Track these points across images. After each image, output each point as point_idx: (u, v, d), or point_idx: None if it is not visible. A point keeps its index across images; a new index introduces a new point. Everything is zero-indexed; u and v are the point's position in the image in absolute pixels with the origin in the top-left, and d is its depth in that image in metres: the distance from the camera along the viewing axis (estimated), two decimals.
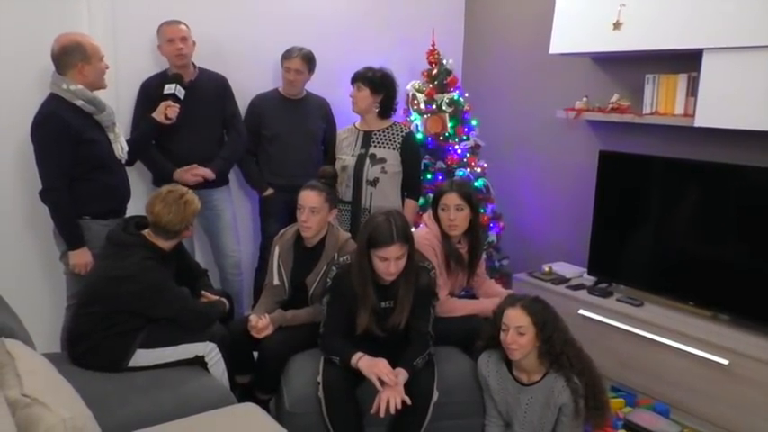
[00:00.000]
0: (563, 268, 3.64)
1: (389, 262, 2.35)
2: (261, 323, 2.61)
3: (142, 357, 2.45)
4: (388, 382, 2.26)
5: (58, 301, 2.97)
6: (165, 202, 2.46)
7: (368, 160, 3.20)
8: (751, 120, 2.73)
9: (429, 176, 3.70)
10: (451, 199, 2.75)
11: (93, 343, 2.43)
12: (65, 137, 2.59)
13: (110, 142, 2.76)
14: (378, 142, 3.23)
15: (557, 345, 2.25)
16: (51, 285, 3.12)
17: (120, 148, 2.81)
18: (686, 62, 2.99)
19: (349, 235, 2.87)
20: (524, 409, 2.34)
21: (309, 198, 2.69)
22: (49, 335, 2.93)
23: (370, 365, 2.32)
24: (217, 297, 2.73)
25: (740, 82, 2.74)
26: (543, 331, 2.25)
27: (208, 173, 3.23)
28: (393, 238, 2.32)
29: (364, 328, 2.43)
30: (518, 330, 2.26)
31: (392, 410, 2.24)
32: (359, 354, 2.36)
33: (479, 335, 2.52)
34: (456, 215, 2.74)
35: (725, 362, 2.67)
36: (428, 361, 2.45)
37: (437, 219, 2.80)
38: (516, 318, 2.27)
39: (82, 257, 2.70)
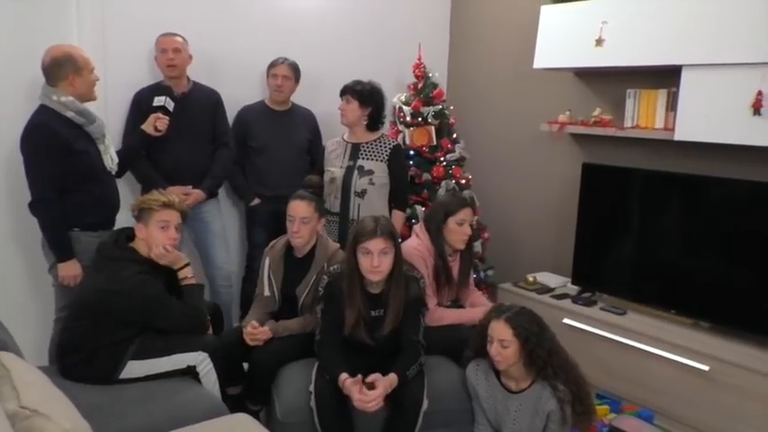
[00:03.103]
0: (547, 278, 3.69)
1: (373, 256, 2.39)
2: (262, 335, 2.64)
3: (134, 369, 2.45)
4: (364, 410, 2.30)
5: (46, 314, 2.94)
6: None
7: (356, 172, 3.24)
8: (728, 134, 2.82)
9: (416, 188, 3.74)
10: (468, 214, 2.85)
11: (84, 355, 2.42)
12: (55, 148, 2.58)
13: (100, 153, 2.76)
14: (366, 154, 3.27)
15: (541, 357, 2.29)
16: (39, 298, 3.09)
17: (111, 159, 2.80)
18: (666, 78, 3.08)
19: (338, 245, 2.90)
20: (513, 416, 2.38)
21: (300, 208, 2.72)
22: (37, 348, 2.89)
23: (349, 392, 2.33)
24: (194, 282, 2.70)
25: (718, 97, 2.83)
26: (526, 345, 2.29)
27: (200, 196, 3.26)
28: (376, 231, 2.40)
29: (351, 328, 2.46)
30: (501, 344, 2.30)
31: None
32: (344, 376, 2.37)
33: (467, 344, 2.57)
34: (470, 230, 2.85)
35: (706, 368, 2.74)
36: (419, 370, 2.49)
37: (438, 231, 2.84)
38: (500, 331, 2.31)
39: (71, 270, 2.69)
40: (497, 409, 2.43)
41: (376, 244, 2.40)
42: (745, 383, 2.62)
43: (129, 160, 3.08)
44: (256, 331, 2.65)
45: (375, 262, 2.40)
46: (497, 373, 2.44)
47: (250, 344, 2.66)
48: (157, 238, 2.53)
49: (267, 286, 2.83)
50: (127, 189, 3.25)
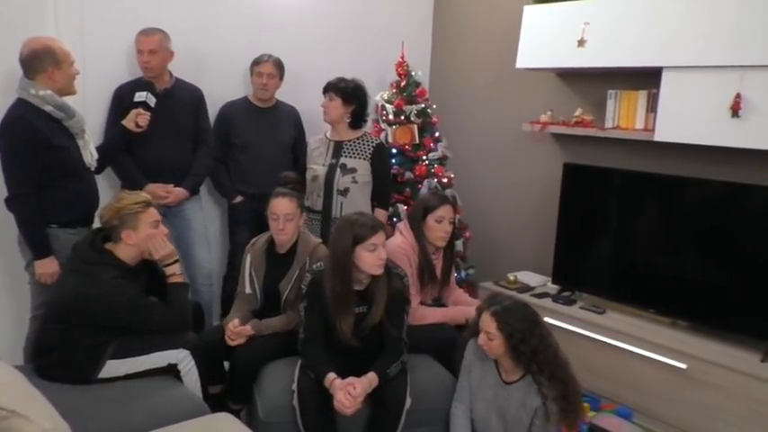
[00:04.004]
0: (528, 277, 3.71)
1: (379, 249, 2.42)
2: (245, 330, 2.62)
3: (113, 368, 2.41)
4: (342, 413, 2.31)
5: (22, 312, 2.88)
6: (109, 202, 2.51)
7: (339, 170, 3.22)
8: (707, 135, 2.86)
9: (398, 187, 3.74)
10: (448, 211, 2.87)
11: (61, 356, 2.37)
12: (33, 142, 2.53)
13: (79, 149, 2.71)
14: (348, 152, 3.25)
15: (525, 353, 2.28)
16: (14, 296, 3.02)
17: (90, 155, 2.75)
18: (646, 79, 3.11)
19: (320, 240, 2.89)
20: (501, 403, 2.38)
21: (283, 206, 2.71)
22: (12, 347, 2.84)
23: (334, 393, 2.33)
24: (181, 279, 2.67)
25: (697, 99, 2.86)
26: (510, 340, 2.29)
27: (182, 194, 3.22)
28: (376, 226, 2.45)
29: (347, 335, 2.45)
30: (488, 335, 2.32)
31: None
32: (332, 375, 2.37)
33: (467, 327, 2.59)
34: (450, 227, 2.86)
35: (683, 366, 2.77)
36: (401, 368, 2.49)
37: (419, 229, 2.85)
38: (486, 323, 2.32)
39: (49, 267, 2.64)
40: (485, 392, 2.42)
41: (380, 237, 2.44)
42: (722, 381, 2.66)
43: (110, 156, 3.03)
44: (239, 330, 2.62)
45: (382, 255, 2.43)
46: (497, 360, 2.44)
47: (231, 344, 2.63)
48: (155, 240, 2.51)
49: (248, 284, 2.81)
50: (106, 186, 3.21)
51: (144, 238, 2.48)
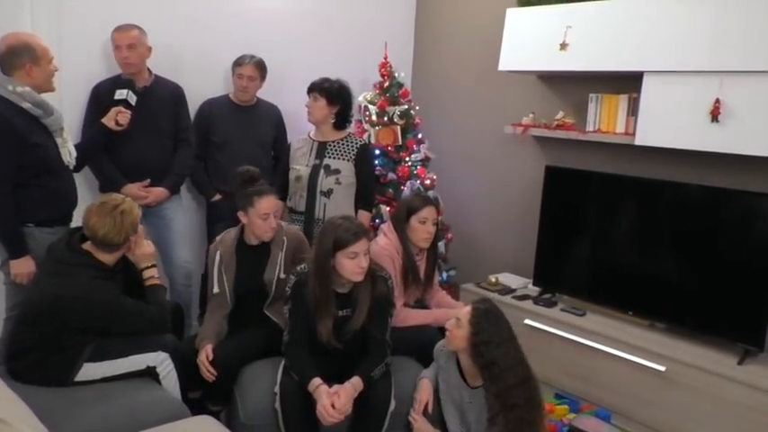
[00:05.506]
0: (509, 279, 3.73)
1: (360, 257, 2.39)
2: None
3: (90, 371, 2.37)
4: (324, 422, 2.30)
5: None
6: (99, 214, 2.37)
7: (322, 171, 3.21)
8: (686, 139, 2.89)
9: (380, 188, 3.73)
10: (431, 212, 2.87)
11: (37, 359, 2.33)
12: (9, 140, 2.47)
13: (57, 147, 2.65)
14: (332, 153, 3.24)
15: (482, 356, 2.24)
16: None
17: (68, 153, 2.70)
18: (628, 83, 3.14)
19: (281, 222, 2.88)
20: (465, 407, 2.37)
21: (273, 202, 2.71)
22: None
23: (318, 399, 2.31)
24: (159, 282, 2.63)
25: (677, 104, 2.90)
26: (474, 336, 2.26)
27: (162, 194, 3.18)
28: (359, 233, 2.41)
29: (326, 338, 2.43)
30: (458, 322, 2.31)
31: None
32: (317, 381, 2.36)
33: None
34: (433, 229, 2.87)
35: (662, 368, 2.80)
36: (385, 370, 2.48)
37: (402, 230, 2.85)
38: (463, 312, 2.33)
39: (25, 267, 2.58)
40: (452, 394, 2.42)
41: (362, 245, 2.40)
42: (700, 384, 2.70)
43: (88, 155, 2.97)
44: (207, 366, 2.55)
45: (363, 263, 2.40)
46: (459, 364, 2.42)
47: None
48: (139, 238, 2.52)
49: (217, 283, 2.73)
50: (84, 184, 3.14)
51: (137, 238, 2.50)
